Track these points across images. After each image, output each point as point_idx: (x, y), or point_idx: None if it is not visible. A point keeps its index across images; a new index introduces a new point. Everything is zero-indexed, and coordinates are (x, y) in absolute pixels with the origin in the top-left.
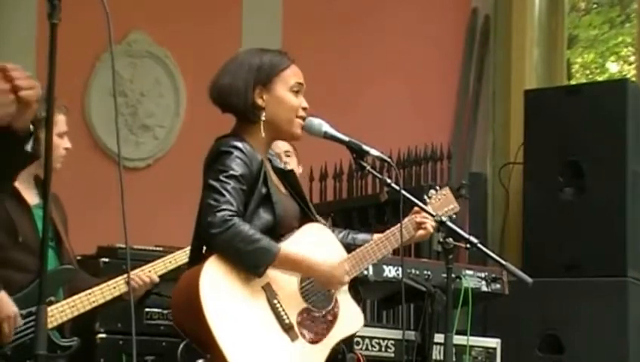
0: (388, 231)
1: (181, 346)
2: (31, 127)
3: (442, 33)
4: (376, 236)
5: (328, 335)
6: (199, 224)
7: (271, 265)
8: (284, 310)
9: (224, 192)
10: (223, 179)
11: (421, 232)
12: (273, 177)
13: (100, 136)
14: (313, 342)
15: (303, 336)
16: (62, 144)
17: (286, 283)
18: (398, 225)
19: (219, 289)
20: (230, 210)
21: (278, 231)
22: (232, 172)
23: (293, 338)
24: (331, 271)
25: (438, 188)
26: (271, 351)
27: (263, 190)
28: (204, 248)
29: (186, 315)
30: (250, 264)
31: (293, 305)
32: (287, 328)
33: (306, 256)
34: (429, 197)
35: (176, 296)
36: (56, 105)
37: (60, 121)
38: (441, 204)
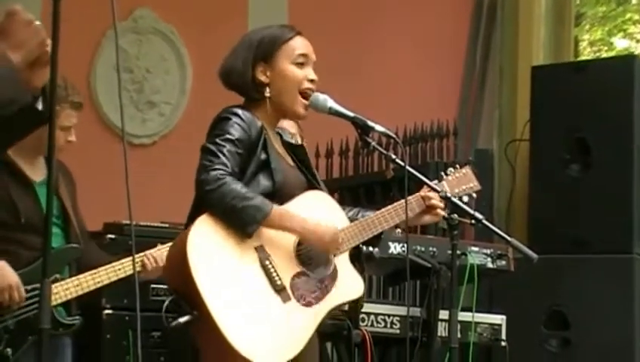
0: (393, 206)
1: (167, 301)
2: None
3: (449, 9)
4: (383, 209)
5: (324, 299)
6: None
7: (263, 223)
8: (276, 271)
9: (219, 154)
10: (219, 141)
11: (427, 218)
12: (276, 146)
13: (105, 112)
14: (307, 305)
15: (297, 299)
16: (63, 136)
17: (281, 245)
18: (404, 201)
19: (207, 247)
20: (223, 170)
21: (277, 198)
22: (228, 135)
23: (285, 299)
24: (327, 233)
25: (457, 165)
26: (259, 311)
27: (263, 156)
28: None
29: (175, 272)
30: (241, 222)
31: (286, 268)
32: (279, 289)
33: (302, 216)
34: (447, 174)
35: (168, 254)
36: (70, 100)
37: (66, 115)
38: (459, 181)
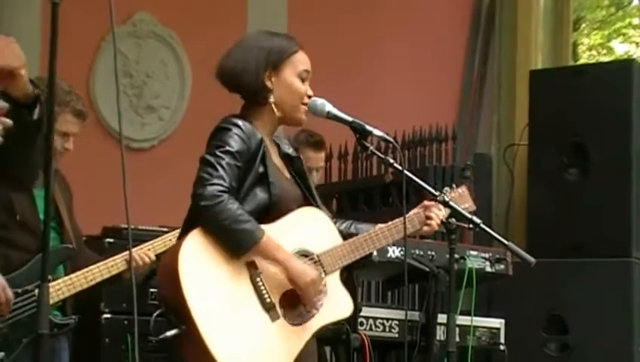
0: (389, 224)
1: (154, 314)
2: (34, 91)
3: (448, 13)
4: (377, 227)
5: (313, 318)
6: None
7: (252, 249)
8: (266, 289)
9: (218, 167)
10: (219, 153)
11: (426, 228)
12: (274, 158)
13: (105, 116)
14: (295, 324)
15: (285, 317)
16: (60, 142)
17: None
18: (402, 217)
19: (198, 262)
20: (222, 185)
21: (273, 211)
22: (227, 147)
23: (274, 318)
24: (307, 277)
25: (454, 185)
26: (246, 328)
27: (261, 168)
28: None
29: (165, 286)
30: (232, 243)
31: (277, 286)
32: (268, 307)
33: (287, 251)
34: (443, 194)
35: (160, 266)
36: (71, 105)
37: (64, 120)
38: (455, 201)
